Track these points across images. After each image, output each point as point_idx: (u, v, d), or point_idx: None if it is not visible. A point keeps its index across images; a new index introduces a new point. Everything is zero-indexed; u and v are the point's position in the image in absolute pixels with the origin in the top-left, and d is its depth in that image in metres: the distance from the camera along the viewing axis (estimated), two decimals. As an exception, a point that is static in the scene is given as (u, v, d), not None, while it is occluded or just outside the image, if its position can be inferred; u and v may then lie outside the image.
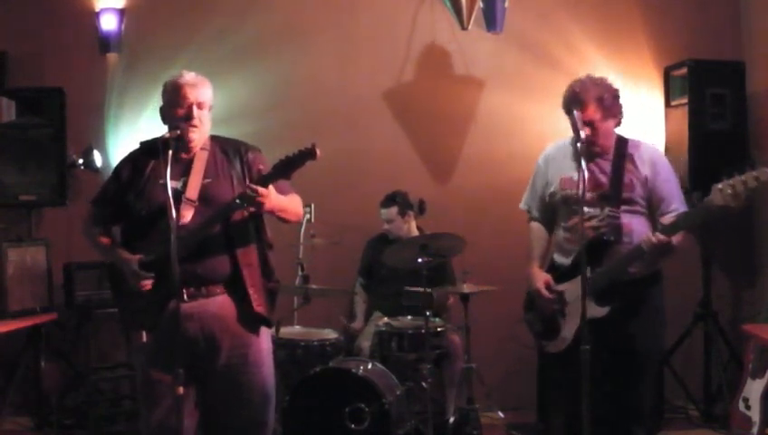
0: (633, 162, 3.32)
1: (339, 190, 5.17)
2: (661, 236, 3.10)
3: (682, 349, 4.91)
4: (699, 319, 4.86)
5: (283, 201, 2.97)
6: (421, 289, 4.22)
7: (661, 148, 5.14)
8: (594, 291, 3.21)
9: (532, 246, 3.51)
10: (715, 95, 4.78)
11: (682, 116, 4.85)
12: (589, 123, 3.23)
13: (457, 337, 4.58)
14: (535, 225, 3.54)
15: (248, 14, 5.29)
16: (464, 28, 5.03)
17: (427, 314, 4.13)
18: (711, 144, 4.72)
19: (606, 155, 3.34)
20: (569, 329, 3.33)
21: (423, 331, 4.19)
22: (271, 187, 2.86)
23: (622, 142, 3.36)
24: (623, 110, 3.39)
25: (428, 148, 5.34)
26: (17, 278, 4.65)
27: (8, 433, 4.80)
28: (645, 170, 3.30)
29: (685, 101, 4.83)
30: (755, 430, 3.80)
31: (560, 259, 3.44)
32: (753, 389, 3.89)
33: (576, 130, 3.14)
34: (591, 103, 3.25)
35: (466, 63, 5.30)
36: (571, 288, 3.32)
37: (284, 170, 2.84)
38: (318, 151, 2.79)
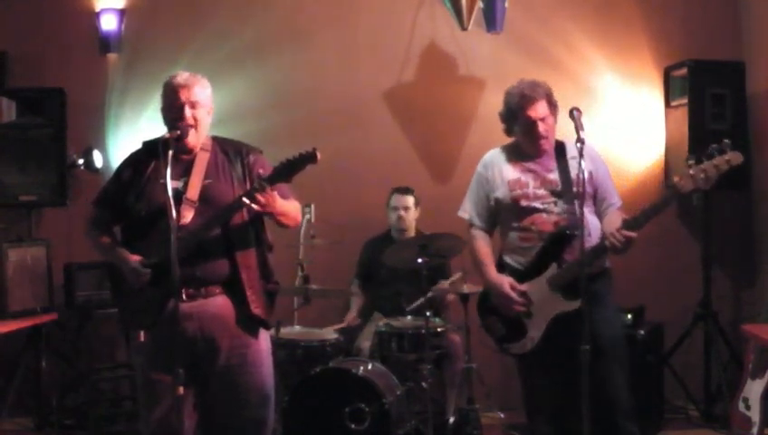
0: (575, 158, 3.34)
1: (339, 190, 5.17)
2: (627, 233, 3.12)
3: (682, 349, 4.90)
4: (699, 319, 4.86)
5: (284, 205, 2.99)
6: (421, 299, 4.25)
7: (661, 148, 5.16)
8: (563, 286, 3.26)
9: (482, 252, 3.52)
10: (715, 95, 4.78)
11: (682, 116, 4.85)
12: (542, 119, 3.36)
13: (457, 337, 4.58)
14: (479, 232, 3.56)
15: (248, 15, 5.29)
16: (464, 28, 5.03)
17: (427, 314, 4.13)
18: (711, 144, 4.70)
19: (547, 154, 3.43)
20: (536, 328, 3.36)
21: (423, 331, 4.19)
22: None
23: (559, 143, 3.46)
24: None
25: (429, 148, 5.34)
26: (18, 278, 4.65)
27: (8, 433, 4.80)
28: (588, 166, 3.33)
29: (685, 101, 4.83)
30: (755, 430, 3.80)
31: (512, 260, 3.46)
32: (753, 389, 3.89)
33: (577, 130, 3.15)
34: (542, 100, 3.37)
35: (467, 64, 5.30)
36: (534, 287, 3.35)
37: (285, 173, 2.86)
38: (318, 155, 2.81)
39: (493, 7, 5.00)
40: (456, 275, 4.62)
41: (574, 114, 3.17)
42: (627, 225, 3.15)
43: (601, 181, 3.44)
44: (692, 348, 4.91)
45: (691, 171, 3.06)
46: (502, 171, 3.47)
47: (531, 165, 3.43)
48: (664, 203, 3.23)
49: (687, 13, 5.22)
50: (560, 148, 3.44)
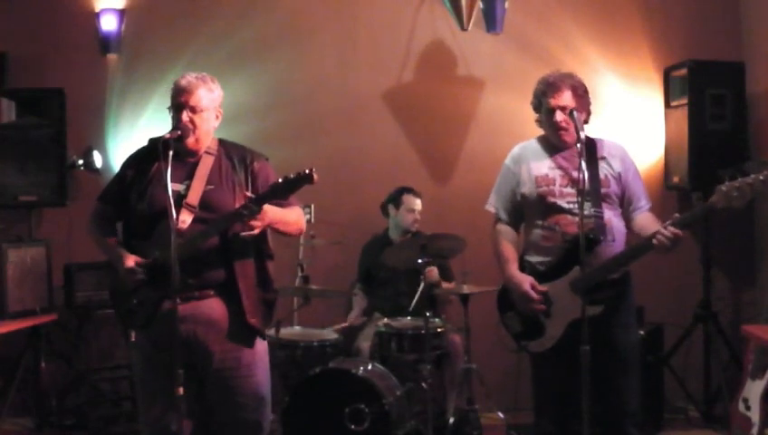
0: (605, 159, 3.33)
1: (339, 191, 5.17)
2: (675, 230, 3.03)
3: (682, 349, 4.90)
4: (699, 320, 4.85)
5: (280, 214, 2.96)
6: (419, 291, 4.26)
7: (661, 148, 5.16)
8: (585, 290, 3.18)
9: (505, 248, 3.45)
10: (714, 96, 4.78)
11: (682, 116, 4.85)
12: (563, 109, 3.27)
13: (457, 338, 4.58)
14: (504, 227, 3.50)
15: (248, 15, 5.29)
16: (463, 29, 5.03)
17: (428, 314, 4.13)
18: (711, 144, 4.72)
19: (576, 150, 3.30)
20: (556, 328, 3.31)
21: (423, 331, 4.19)
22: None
23: (590, 140, 3.35)
24: (590, 108, 3.41)
25: (429, 148, 5.34)
26: (17, 279, 4.65)
27: (8, 433, 4.80)
28: (617, 166, 3.33)
29: (685, 101, 4.82)
30: (755, 430, 3.79)
31: (534, 259, 3.40)
32: (753, 390, 3.89)
33: (577, 130, 3.14)
34: (567, 90, 3.29)
35: (467, 64, 5.30)
36: (555, 288, 3.30)
37: (281, 192, 2.83)
38: (316, 176, 2.78)
39: (493, 8, 5.00)
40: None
41: (574, 114, 3.17)
42: (674, 222, 3.06)
43: (630, 183, 3.34)
44: (692, 349, 4.91)
45: (724, 187, 2.95)
46: (530, 167, 3.39)
47: (560, 161, 3.34)
48: (694, 216, 3.18)
49: (687, 13, 5.21)
50: (590, 147, 3.34)
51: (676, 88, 4.99)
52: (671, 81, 5.05)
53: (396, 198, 4.87)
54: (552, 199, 3.31)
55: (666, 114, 5.12)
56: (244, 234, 2.87)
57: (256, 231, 2.88)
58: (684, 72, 4.84)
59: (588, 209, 3.21)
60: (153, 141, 3.04)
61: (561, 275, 3.29)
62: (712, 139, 4.73)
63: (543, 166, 3.36)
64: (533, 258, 3.41)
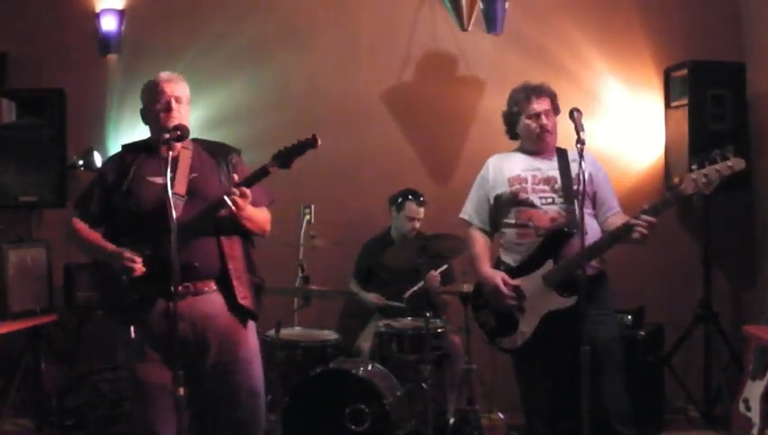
0: (576, 161, 3.40)
1: (339, 191, 5.17)
2: (649, 217, 3.15)
3: (682, 349, 4.90)
4: (699, 320, 4.85)
5: (253, 211, 3.00)
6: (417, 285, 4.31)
7: (661, 149, 5.16)
8: (558, 283, 3.31)
9: (478, 249, 3.59)
10: (715, 96, 4.78)
11: (682, 117, 4.85)
12: (546, 113, 3.48)
13: (458, 338, 4.58)
14: (477, 232, 3.62)
15: (249, 15, 5.30)
16: (464, 29, 5.04)
17: (428, 314, 4.13)
18: (711, 145, 4.71)
19: (549, 154, 3.52)
20: (528, 323, 3.39)
21: (423, 332, 4.19)
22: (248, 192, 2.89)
23: (561, 149, 3.53)
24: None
25: (429, 148, 5.34)
26: (18, 279, 4.66)
27: (8, 434, 4.80)
28: (588, 168, 3.39)
29: (685, 102, 4.83)
30: (755, 431, 3.79)
31: (508, 258, 3.51)
32: (754, 390, 3.89)
33: (577, 131, 3.16)
34: (547, 97, 3.51)
35: (467, 64, 5.30)
36: (528, 283, 3.39)
37: (285, 159, 2.93)
38: (319, 141, 2.86)
39: (493, 8, 5.00)
40: (444, 266, 4.62)
41: (574, 115, 3.19)
42: (647, 211, 3.18)
43: (601, 185, 3.50)
44: (692, 349, 4.91)
45: (693, 175, 3.10)
46: (503, 170, 3.54)
47: (533, 163, 3.50)
48: (666, 203, 3.25)
49: (688, 14, 5.21)
50: (561, 152, 3.50)
51: (677, 88, 4.99)
52: (671, 81, 5.05)
53: (399, 202, 4.86)
54: (524, 196, 3.45)
55: (666, 115, 5.12)
56: (223, 212, 2.90)
57: (236, 208, 2.88)
58: (684, 72, 4.84)
59: (558, 205, 3.38)
60: (127, 147, 3.15)
61: (535, 269, 3.37)
62: (712, 139, 4.73)
63: (516, 168, 3.52)
64: (508, 257, 3.52)
